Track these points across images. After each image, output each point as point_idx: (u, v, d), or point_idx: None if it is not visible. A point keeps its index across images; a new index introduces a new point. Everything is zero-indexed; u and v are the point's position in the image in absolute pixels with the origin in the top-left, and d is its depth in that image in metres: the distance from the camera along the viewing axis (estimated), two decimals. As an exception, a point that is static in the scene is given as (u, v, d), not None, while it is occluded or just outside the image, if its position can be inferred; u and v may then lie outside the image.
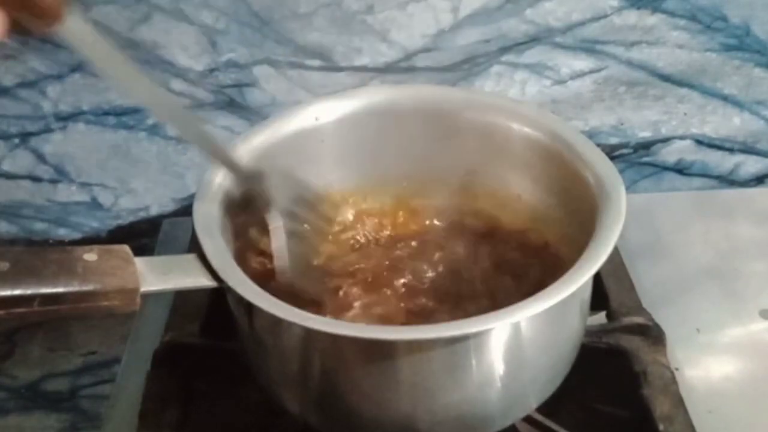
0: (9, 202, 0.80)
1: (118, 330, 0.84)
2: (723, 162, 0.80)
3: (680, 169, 0.81)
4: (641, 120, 0.78)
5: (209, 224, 0.48)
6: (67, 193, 0.80)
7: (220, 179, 0.51)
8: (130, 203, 0.81)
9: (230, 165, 0.50)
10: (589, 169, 0.51)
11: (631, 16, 0.72)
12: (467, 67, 0.74)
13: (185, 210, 0.80)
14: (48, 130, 0.76)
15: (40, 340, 0.87)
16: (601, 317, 0.60)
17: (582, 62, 0.74)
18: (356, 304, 0.56)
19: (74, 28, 0.39)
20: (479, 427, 0.49)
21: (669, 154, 0.80)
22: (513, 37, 0.72)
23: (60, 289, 0.39)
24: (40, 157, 0.77)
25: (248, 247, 0.53)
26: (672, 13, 0.71)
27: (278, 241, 0.51)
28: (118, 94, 0.74)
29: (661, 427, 0.52)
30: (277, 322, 0.43)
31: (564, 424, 0.53)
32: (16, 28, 0.37)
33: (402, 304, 0.56)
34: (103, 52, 0.42)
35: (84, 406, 0.92)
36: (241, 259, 0.49)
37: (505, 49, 0.73)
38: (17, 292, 0.37)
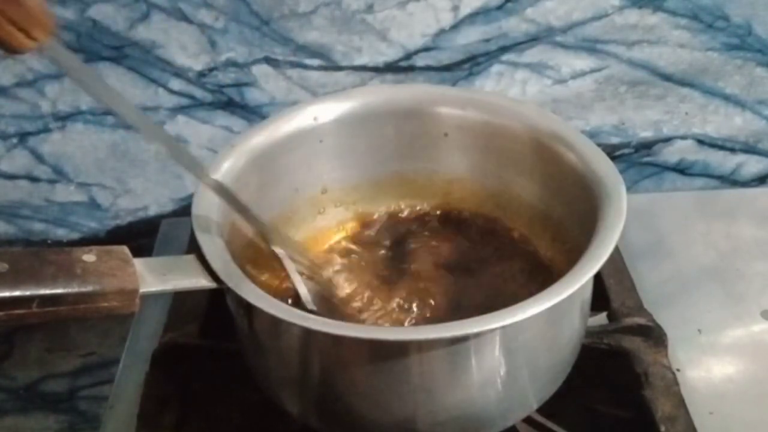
0: (7, 202, 0.79)
1: (117, 331, 0.84)
2: (725, 162, 0.80)
3: (682, 169, 0.80)
4: (642, 120, 0.78)
5: (208, 224, 0.48)
6: (65, 193, 0.79)
7: (219, 179, 0.51)
8: (128, 203, 0.81)
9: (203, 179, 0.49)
10: (589, 169, 0.51)
11: (633, 16, 0.72)
12: (467, 66, 0.74)
13: (184, 210, 0.80)
14: (46, 129, 0.76)
15: (39, 341, 0.87)
16: (602, 318, 0.60)
17: (583, 62, 0.74)
18: (355, 304, 0.55)
19: (55, 46, 0.37)
20: (480, 427, 0.48)
21: (670, 153, 0.80)
22: (513, 37, 0.72)
23: (59, 291, 0.38)
24: (39, 157, 0.77)
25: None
26: (673, 13, 0.71)
27: (291, 270, 0.51)
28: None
29: (662, 428, 0.52)
30: (276, 322, 0.43)
31: (565, 425, 0.53)
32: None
33: (401, 305, 0.56)
34: (83, 71, 0.40)
35: (82, 407, 0.92)
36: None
37: (505, 49, 0.73)
38: (16, 293, 0.37)
